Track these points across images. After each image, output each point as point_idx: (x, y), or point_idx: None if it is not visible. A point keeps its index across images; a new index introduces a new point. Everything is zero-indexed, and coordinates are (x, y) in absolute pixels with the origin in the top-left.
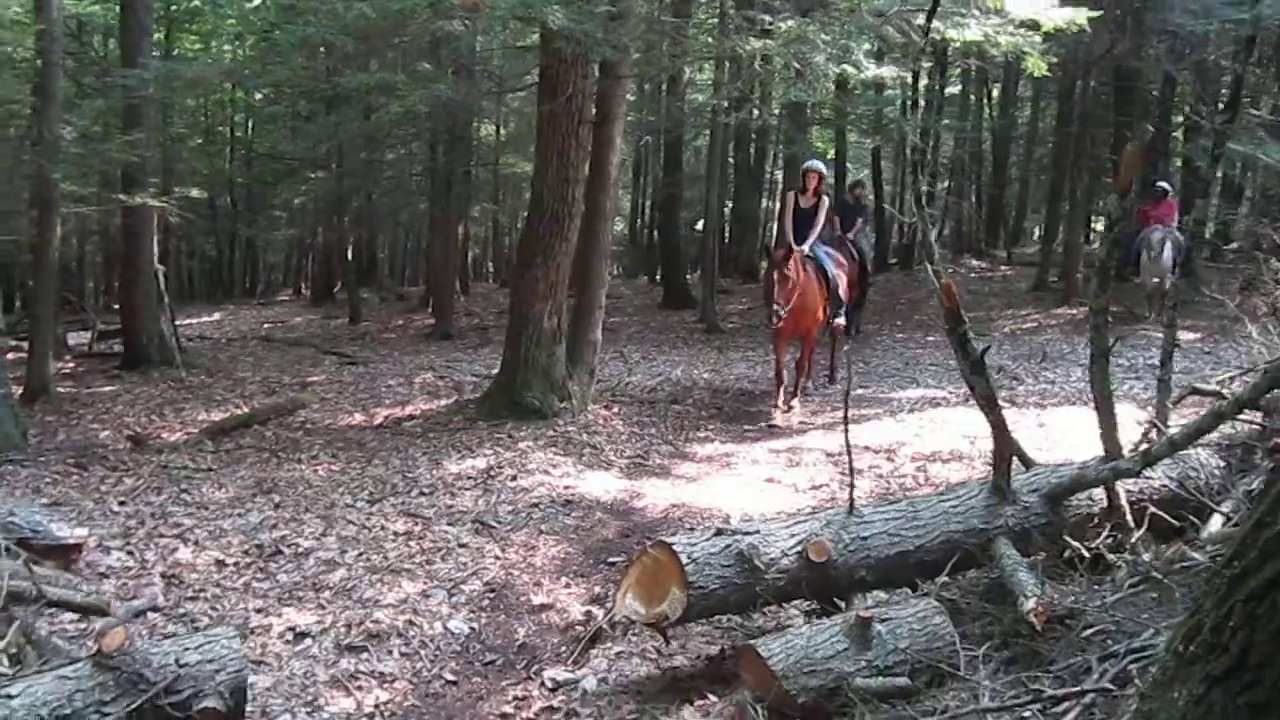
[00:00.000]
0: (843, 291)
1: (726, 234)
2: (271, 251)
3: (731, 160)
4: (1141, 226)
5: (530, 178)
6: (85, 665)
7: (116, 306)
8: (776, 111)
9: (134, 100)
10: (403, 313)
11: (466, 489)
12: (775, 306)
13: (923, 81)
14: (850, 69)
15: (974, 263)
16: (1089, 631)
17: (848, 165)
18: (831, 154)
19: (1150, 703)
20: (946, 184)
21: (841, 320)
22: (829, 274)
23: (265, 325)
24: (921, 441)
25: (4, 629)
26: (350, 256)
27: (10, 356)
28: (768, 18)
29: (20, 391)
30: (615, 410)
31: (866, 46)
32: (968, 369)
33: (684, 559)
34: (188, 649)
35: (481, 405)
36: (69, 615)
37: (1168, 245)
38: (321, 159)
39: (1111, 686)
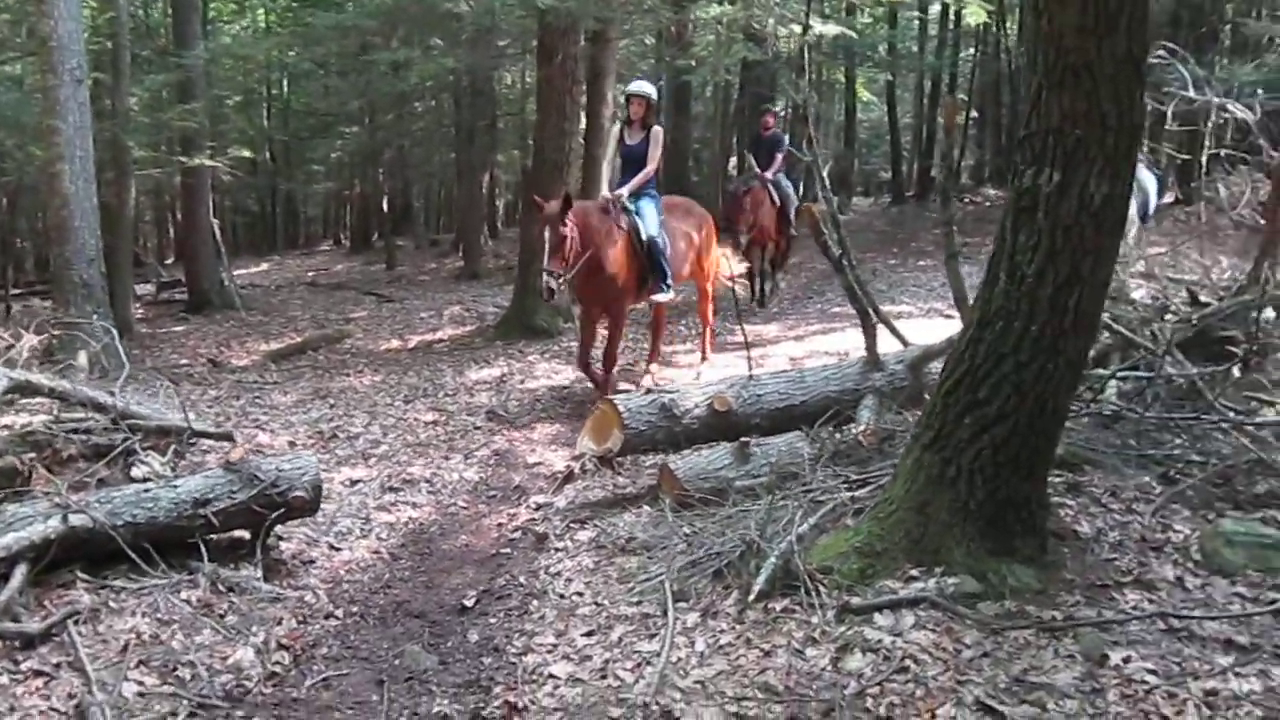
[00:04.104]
0: (669, 258)
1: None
2: (311, 204)
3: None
4: None
5: None
6: (219, 470)
7: (170, 260)
8: (783, 53)
9: (188, 74)
10: (436, 257)
11: (483, 390)
12: (546, 277)
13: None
14: (797, 28)
15: (991, 192)
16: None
17: (861, 99)
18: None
19: (897, 470)
20: (971, 115)
21: (665, 295)
22: (643, 235)
23: (310, 273)
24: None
25: (166, 450)
26: (386, 206)
27: None
28: None
29: None
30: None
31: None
32: (833, 267)
33: (622, 409)
34: (284, 461)
35: (498, 329)
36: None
37: None
38: (354, 114)
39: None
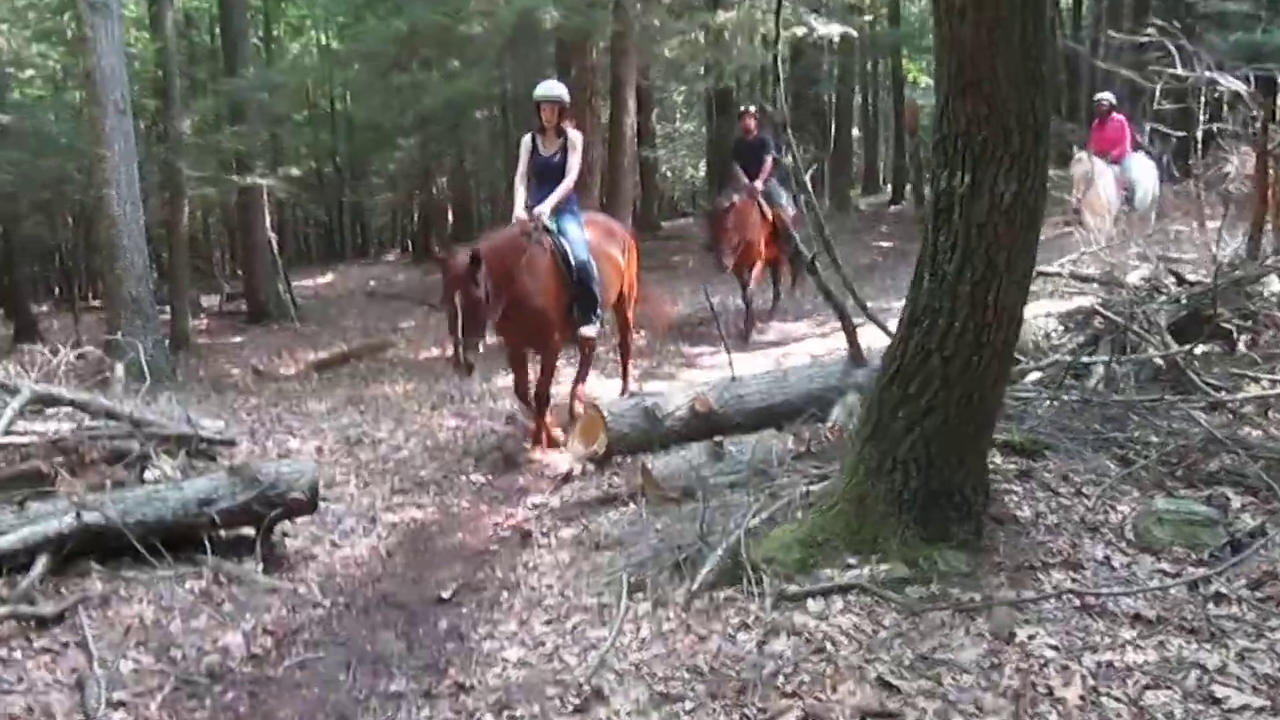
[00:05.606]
0: (601, 288)
1: None
2: (377, 214)
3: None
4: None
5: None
6: (223, 473)
7: (240, 271)
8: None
9: (237, 99)
10: None
11: (505, 396)
12: (459, 350)
13: None
14: (798, 30)
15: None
16: None
17: (919, 85)
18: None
19: (842, 463)
20: None
21: (594, 328)
22: (573, 260)
23: (370, 282)
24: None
25: (176, 454)
26: (451, 215)
27: None
28: None
29: (167, 343)
30: (642, 333)
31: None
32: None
33: (606, 414)
34: (283, 465)
35: None
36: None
37: (1101, 186)
38: (409, 127)
39: None
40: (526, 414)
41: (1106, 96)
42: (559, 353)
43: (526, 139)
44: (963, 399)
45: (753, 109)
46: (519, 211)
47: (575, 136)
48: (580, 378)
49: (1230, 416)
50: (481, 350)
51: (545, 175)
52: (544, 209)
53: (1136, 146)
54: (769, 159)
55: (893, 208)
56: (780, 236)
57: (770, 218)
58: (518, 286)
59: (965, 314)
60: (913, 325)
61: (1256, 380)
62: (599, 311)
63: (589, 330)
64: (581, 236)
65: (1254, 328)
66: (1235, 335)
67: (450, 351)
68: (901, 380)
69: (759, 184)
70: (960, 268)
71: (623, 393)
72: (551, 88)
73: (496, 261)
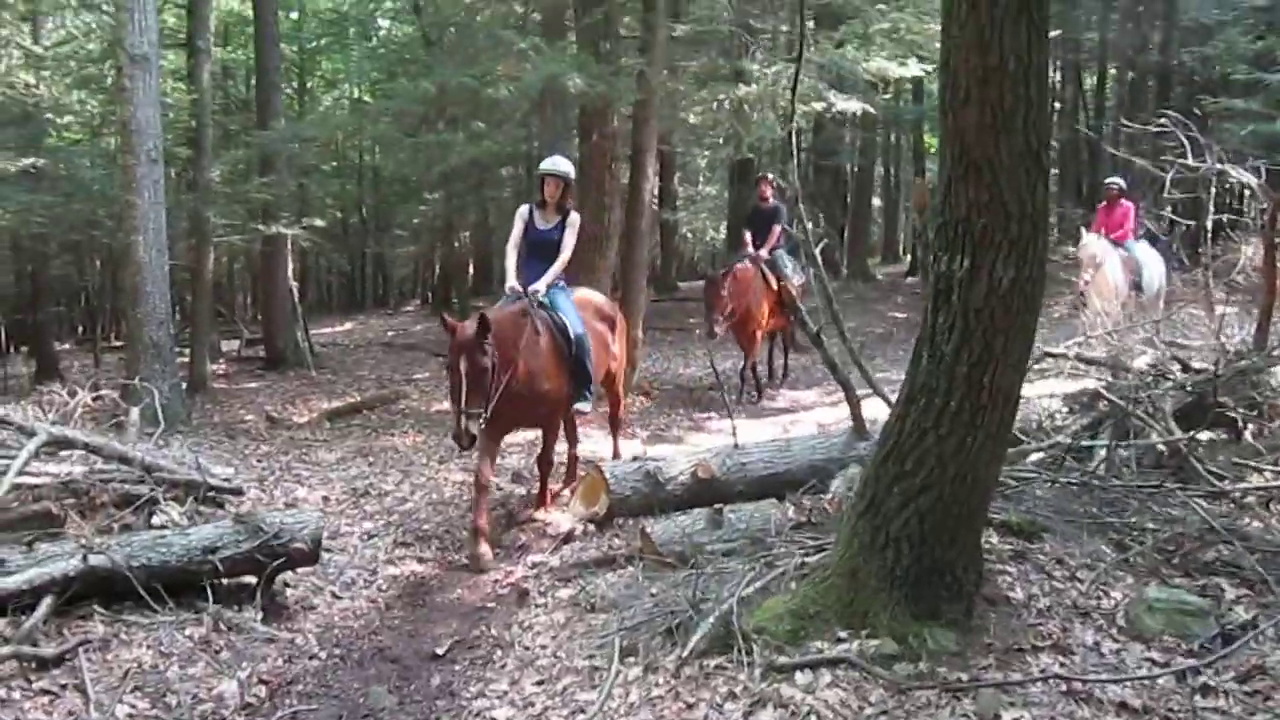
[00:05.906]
0: (594, 363)
1: None
2: (399, 266)
3: (802, 176)
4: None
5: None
6: (228, 521)
7: (261, 318)
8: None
9: (267, 150)
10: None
11: (514, 453)
12: (464, 420)
13: None
14: (816, 105)
15: (1071, 249)
16: None
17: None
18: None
19: (837, 537)
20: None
21: (588, 404)
22: (571, 334)
23: (389, 333)
24: (877, 411)
25: (185, 500)
26: (472, 269)
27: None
28: (755, 67)
29: (185, 385)
30: (654, 396)
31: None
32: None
33: (609, 476)
34: (287, 515)
35: None
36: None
37: (1108, 269)
38: (435, 182)
39: None
40: (478, 501)
41: (1116, 181)
42: (560, 425)
43: (524, 209)
44: (957, 478)
45: (770, 176)
46: (511, 281)
47: (575, 217)
48: (570, 476)
49: (1231, 506)
50: (484, 423)
51: (539, 249)
52: (539, 286)
53: (1144, 235)
54: (778, 228)
55: (910, 278)
56: (786, 306)
57: (776, 287)
58: (522, 367)
59: (961, 394)
60: (910, 403)
61: (1259, 471)
62: (592, 388)
63: (583, 406)
64: (574, 310)
65: (1260, 418)
66: (1241, 424)
67: (460, 424)
68: (897, 457)
69: (764, 252)
70: (958, 349)
71: (613, 458)
72: (557, 163)
73: (501, 333)
